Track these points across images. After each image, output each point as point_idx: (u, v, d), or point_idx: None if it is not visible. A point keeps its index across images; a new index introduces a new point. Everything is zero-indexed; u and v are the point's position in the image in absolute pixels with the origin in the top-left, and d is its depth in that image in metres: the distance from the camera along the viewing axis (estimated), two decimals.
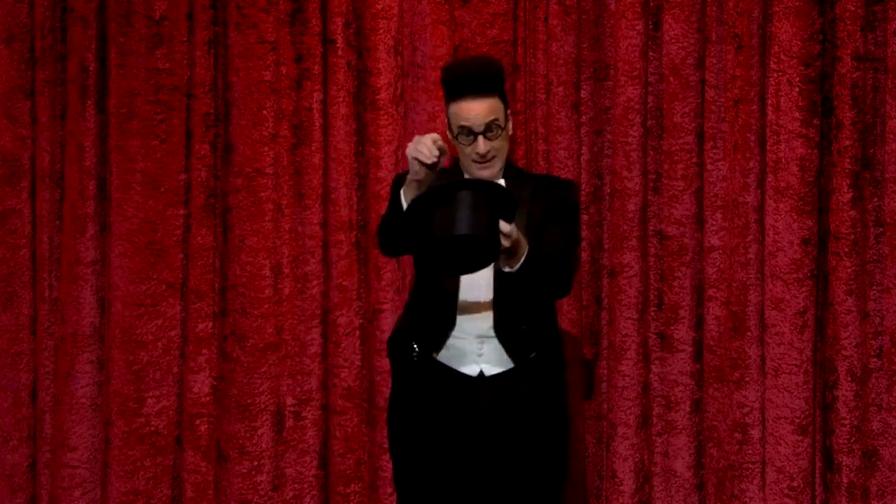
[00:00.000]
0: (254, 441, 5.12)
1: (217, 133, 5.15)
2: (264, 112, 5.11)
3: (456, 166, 4.34)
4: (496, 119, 4.20)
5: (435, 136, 4.05)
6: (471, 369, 4.20)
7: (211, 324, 5.14)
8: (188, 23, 5.13)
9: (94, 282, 5.17)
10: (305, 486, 5.11)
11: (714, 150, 4.90)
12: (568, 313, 4.98)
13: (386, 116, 5.06)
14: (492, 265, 4.09)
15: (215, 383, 5.15)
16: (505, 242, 3.94)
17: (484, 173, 4.21)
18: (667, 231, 4.95)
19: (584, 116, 5.02)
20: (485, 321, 4.20)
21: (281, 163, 5.11)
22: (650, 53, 4.95)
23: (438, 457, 4.19)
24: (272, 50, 5.11)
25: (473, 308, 4.20)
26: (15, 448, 5.23)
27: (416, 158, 4.02)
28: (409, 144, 4.06)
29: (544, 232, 4.21)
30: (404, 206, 4.06)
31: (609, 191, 4.99)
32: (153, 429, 5.15)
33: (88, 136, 5.15)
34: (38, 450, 5.24)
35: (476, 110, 4.18)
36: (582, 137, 5.03)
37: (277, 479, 5.12)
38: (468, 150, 4.20)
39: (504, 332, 4.19)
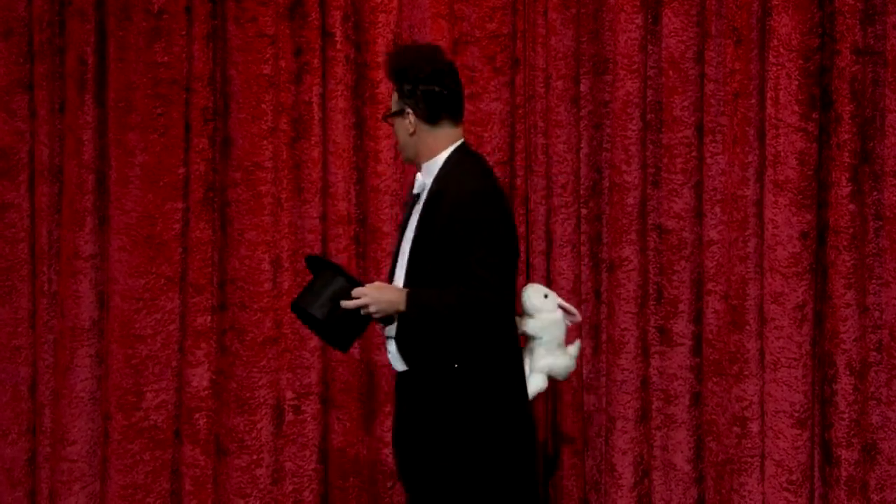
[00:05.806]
0: (253, 435, 5.11)
1: (216, 127, 5.14)
2: (263, 106, 5.11)
3: None
4: (389, 105, 4.15)
5: None
6: (395, 365, 4.04)
7: (210, 318, 5.14)
8: (187, 16, 5.12)
9: (92, 276, 5.16)
10: (305, 479, 5.11)
11: (713, 144, 4.90)
12: None
13: (385, 110, 5.05)
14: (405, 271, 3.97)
15: (214, 377, 5.15)
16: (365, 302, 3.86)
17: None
18: (666, 225, 4.95)
19: (583, 110, 5.02)
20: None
21: (280, 157, 5.11)
22: (649, 47, 4.94)
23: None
24: (271, 44, 5.10)
25: None
26: (14, 442, 5.22)
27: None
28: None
29: (439, 260, 3.88)
30: None
31: (608, 185, 4.99)
32: (152, 423, 5.15)
33: (87, 129, 5.14)
34: (37, 444, 5.23)
35: None
36: (581, 131, 5.03)
37: (277, 472, 5.12)
38: None
39: (401, 338, 3.97)
